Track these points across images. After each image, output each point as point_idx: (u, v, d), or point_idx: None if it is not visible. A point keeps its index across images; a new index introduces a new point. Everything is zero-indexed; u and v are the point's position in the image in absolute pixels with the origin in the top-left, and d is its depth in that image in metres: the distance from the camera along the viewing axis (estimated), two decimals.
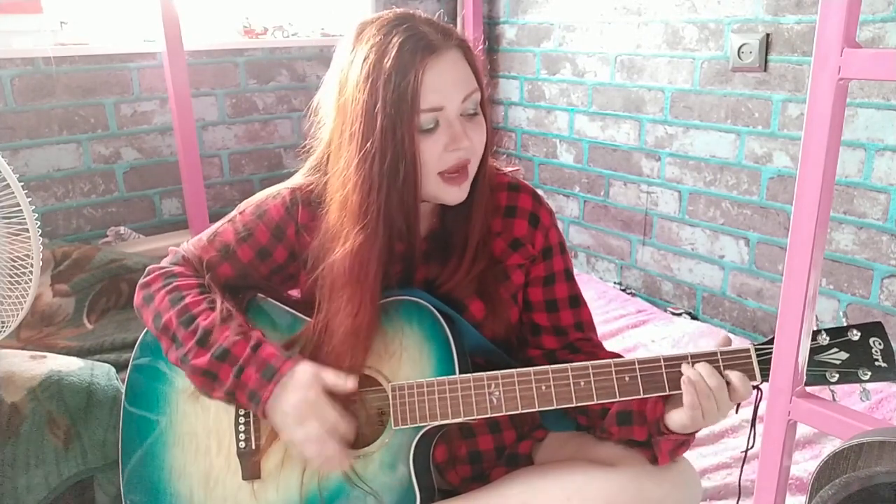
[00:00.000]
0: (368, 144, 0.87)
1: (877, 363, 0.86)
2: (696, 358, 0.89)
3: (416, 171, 0.89)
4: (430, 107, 0.87)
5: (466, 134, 0.90)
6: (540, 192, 1.07)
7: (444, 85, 0.88)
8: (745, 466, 1.08)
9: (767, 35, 1.89)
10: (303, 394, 0.89)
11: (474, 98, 0.91)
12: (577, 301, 1.05)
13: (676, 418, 0.88)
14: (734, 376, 0.87)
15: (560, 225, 2.59)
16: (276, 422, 0.92)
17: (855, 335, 0.87)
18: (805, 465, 1.44)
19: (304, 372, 0.91)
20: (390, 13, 0.92)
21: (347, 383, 0.91)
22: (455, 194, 0.93)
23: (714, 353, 0.89)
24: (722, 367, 0.88)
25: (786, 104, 1.89)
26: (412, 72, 0.86)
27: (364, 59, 0.87)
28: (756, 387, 0.92)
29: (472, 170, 0.94)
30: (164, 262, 1.03)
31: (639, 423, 0.93)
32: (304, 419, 0.89)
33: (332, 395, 0.91)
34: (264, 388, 0.90)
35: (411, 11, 0.93)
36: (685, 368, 0.87)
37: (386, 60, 0.86)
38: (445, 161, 0.91)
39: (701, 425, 0.88)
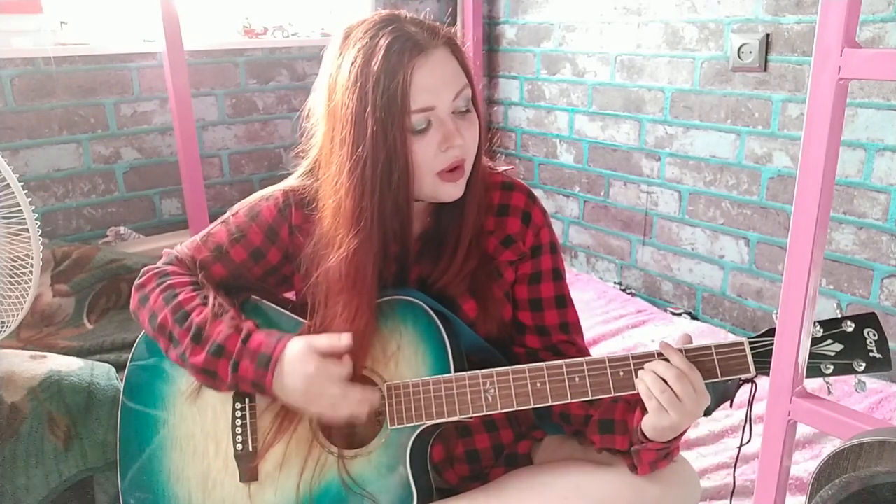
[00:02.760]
0: (360, 149, 0.87)
1: (871, 354, 0.85)
2: (690, 353, 0.88)
3: (408, 173, 0.89)
4: (421, 107, 0.87)
5: (459, 132, 0.89)
6: (539, 192, 1.07)
7: (434, 84, 0.87)
8: (744, 466, 1.07)
9: (767, 35, 1.89)
10: (302, 370, 0.89)
11: (465, 95, 0.91)
12: (563, 302, 1.04)
13: (647, 421, 0.87)
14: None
15: (560, 225, 2.60)
16: (290, 403, 0.92)
17: (849, 326, 0.86)
18: (805, 465, 1.44)
19: (295, 348, 0.90)
20: (376, 15, 0.91)
21: (342, 340, 0.90)
22: (452, 191, 0.93)
23: (709, 348, 0.88)
24: (717, 362, 0.87)
25: (786, 104, 1.89)
26: (400, 73, 0.85)
27: (352, 63, 0.87)
28: (752, 380, 0.91)
29: (468, 167, 0.94)
30: (158, 264, 1.04)
31: (620, 433, 0.93)
32: (316, 393, 0.89)
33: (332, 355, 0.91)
34: (263, 377, 0.90)
35: (397, 12, 0.92)
36: (651, 366, 0.87)
37: (373, 63, 0.85)
38: (440, 161, 0.90)
39: (666, 421, 0.85)
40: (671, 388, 0.84)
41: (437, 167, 0.90)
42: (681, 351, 0.88)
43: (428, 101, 0.87)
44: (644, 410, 0.88)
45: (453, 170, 0.92)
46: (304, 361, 0.89)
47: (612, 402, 0.95)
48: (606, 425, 0.94)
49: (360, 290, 0.92)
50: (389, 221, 0.92)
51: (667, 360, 0.87)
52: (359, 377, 0.95)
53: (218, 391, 0.96)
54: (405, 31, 0.87)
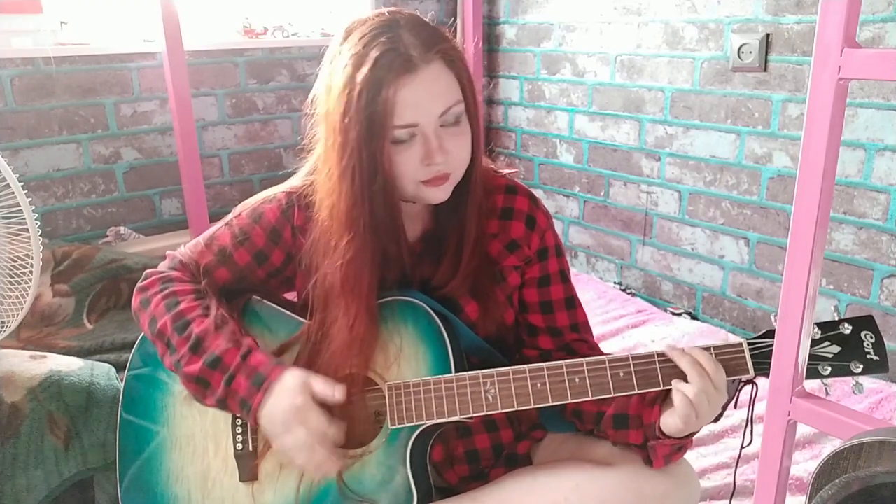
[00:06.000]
0: (346, 158, 0.87)
1: (868, 356, 0.86)
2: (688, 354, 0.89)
3: (392, 180, 0.89)
4: (404, 123, 0.86)
5: (443, 147, 0.88)
6: (539, 192, 1.07)
7: (420, 102, 0.85)
8: (744, 466, 1.08)
9: (767, 35, 1.89)
10: (290, 400, 0.88)
11: (455, 111, 0.89)
12: (572, 303, 1.05)
13: (670, 422, 0.87)
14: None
15: (560, 225, 2.60)
16: (266, 429, 0.91)
17: (847, 329, 0.87)
18: (805, 465, 1.44)
19: (292, 378, 0.90)
20: (376, 18, 0.89)
21: (336, 393, 0.90)
22: (436, 194, 0.92)
23: (707, 349, 0.89)
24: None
25: (786, 104, 1.89)
26: (385, 90, 0.84)
27: (343, 67, 0.86)
28: (752, 381, 0.92)
29: (456, 177, 0.93)
30: (161, 267, 1.03)
31: (635, 427, 0.93)
32: (292, 425, 0.89)
33: (323, 402, 0.91)
34: (253, 395, 0.90)
35: (398, 16, 0.89)
36: (679, 356, 0.87)
37: (358, 75, 0.84)
38: (423, 173, 0.89)
39: (694, 426, 0.87)
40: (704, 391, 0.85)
41: (419, 178, 0.90)
42: (708, 350, 0.89)
43: (412, 118, 0.86)
44: (661, 408, 0.89)
45: (436, 179, 0.91)
46: (295, 392, 0.89)
47: (625, 398, 0.95)
48: (621, 420, 0.94)
49: (359, 295, 0.92)
50: (382, 225, 0.92)
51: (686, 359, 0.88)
52: (361, 379, 0.95)
53: (203, 404, 0.94)
54: (398, 45, 0.85)
